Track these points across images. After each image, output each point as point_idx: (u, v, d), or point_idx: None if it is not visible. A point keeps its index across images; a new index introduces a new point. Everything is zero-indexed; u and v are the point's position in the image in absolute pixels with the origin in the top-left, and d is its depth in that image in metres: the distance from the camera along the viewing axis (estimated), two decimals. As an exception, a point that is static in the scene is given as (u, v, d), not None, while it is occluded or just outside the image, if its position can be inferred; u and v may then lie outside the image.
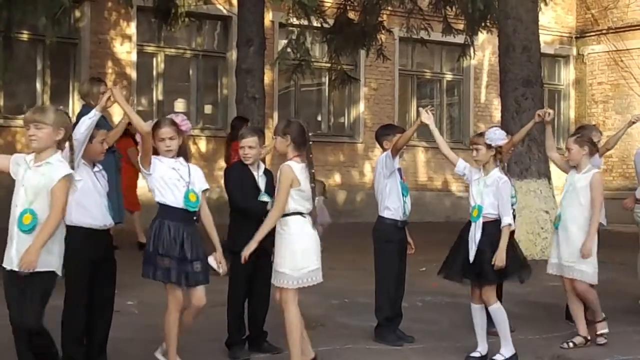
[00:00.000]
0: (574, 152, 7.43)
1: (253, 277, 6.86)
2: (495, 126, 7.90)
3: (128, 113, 6.15)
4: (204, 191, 6.30)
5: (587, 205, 7.34)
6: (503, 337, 6.89)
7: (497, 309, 6.89)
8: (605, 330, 7.59)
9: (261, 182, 6.97)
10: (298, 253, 6.14)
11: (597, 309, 7.59)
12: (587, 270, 7.39)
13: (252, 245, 6.14)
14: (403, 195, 7.47)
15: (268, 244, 6.30)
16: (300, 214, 6.16)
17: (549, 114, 7.65)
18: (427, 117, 7.10)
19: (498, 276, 6.90)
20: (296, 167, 6.14)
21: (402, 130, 7.77)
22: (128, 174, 11.10)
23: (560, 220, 7.47)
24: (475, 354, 6.96)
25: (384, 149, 7.58)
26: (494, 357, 6.87)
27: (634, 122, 8.74)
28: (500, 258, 6.73)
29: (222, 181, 7.38)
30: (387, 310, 7.52)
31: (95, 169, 6.19)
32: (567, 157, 7.52)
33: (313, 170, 6.23)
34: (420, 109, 7.28)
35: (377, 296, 7.58)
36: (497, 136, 6.93)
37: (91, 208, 6.06)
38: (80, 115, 8.69)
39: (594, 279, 7.42)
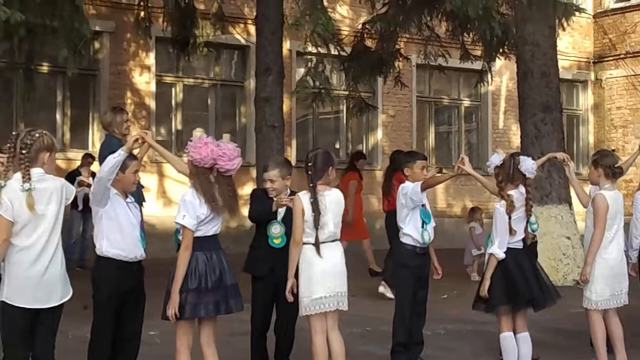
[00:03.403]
0: (590, 174, 7.39)
1: (277, 304, 6.84)
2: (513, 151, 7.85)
3: (164, 155, 6.53)
4: None
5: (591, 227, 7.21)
6: None
7: (502, 338, 6.82)
8: None
9: (280, 211, 6.98)
10: (304, 281, 6.26)
11: (595, 341, 7.25)
12: (587, 296, 7.18)
13: (289, 283, 6.26)
14: (425, 222, 7.45)
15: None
16: (308, 243, 6.28)
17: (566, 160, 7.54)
18: (466, 165, 7.06)
19: (484, 306, 6.85)
20: (304, 198, 6.28)
21: (424, 157, 7.81)
22: (358, 204, 12.82)
23: None
24: None
25: (405, 175, 7.59)
26: None
27: None
28: (482, 288, 6.73)
29: (242, 210, 7.38)
30: (401, 336, 7.50)
31: (128, 199, 6.22)
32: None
33: (312, 200, 6.27)
34: (463, 155, 7.27)
35: (393, 321, 7.59)
36: (491, 161, 6.94)
37: (123, 239, 6.06)
38: (104, 145, 8.77)
39: (597, 305, 7.15)
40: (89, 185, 13.71)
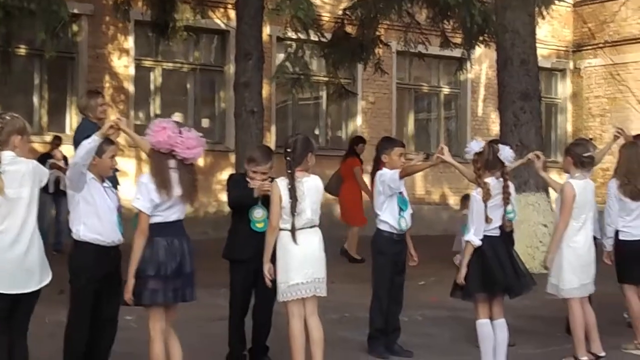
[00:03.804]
0: (563, 162, 7.44)
1: (255, 289, 6.84)
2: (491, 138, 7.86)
3: (138, 143, 6.43)
4: None
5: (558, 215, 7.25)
6: (482, 355, 6.83)
7: (478, 325, 6.85)
8: (583, 358, 7.22)
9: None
10: (281, 267, 6.26)
11: (574, 329, 7.25)
12: (554, 283, 7.25)
13: (266, 267, 6.25)
14: (402, 209, 7.47)
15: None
16: (285, 229, 6.28)
17: (538, 156, 7.56)
18: (446, 155, 7.05)
19: (461, 294, 6.88)
20: (282, 184, 6.28)
21: (402, 144, 7.82)
22: (352, 190, 13.05)
23: None
24: None
25: (382, 163, 7.59)
26: None
27: (617, 137, 8.52)
28: (459, 275, 6.76)
29: (220, 195, 7.38)
30: (378, 322, 7.54)
31: (105, 184, 6.18)
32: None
33: (290, 186, 6.25)
34: (442, 145, 7.25)
35: (370, 307, 7.62)
36: (470, 147, 6.94)
37: (101, 224, 6.03)
38: (78, 129, 8.70)
39: (563, 294, 7.21)
40: (60, 168, 13.67)
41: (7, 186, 5.19)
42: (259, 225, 6.79)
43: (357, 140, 13.85)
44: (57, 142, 14.31)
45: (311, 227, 6.35)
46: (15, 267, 5.23)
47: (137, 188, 5.70)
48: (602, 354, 7.31)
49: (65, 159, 14.07)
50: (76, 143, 8.30)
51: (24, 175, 5.34)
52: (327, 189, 12.46)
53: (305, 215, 6.29)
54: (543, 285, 7.34)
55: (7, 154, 5.28)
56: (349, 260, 12.73)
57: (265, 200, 6.73)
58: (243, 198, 6.88)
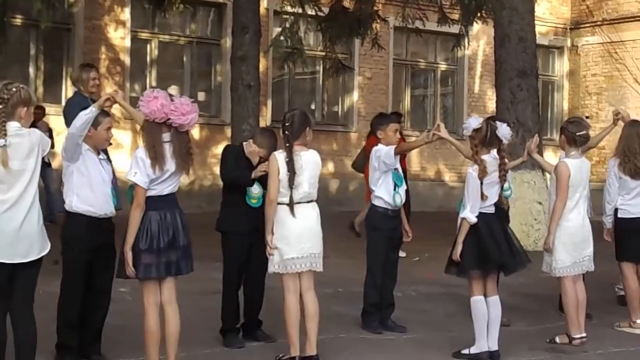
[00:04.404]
0: (559, 140, 7.42)
1: (249, 263, 6.84)
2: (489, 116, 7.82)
3: (134, 116, 6.27)
4: None
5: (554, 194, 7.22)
6: (476, 332, 6.84)
7: (472, 302, 6.86)
8: (577, 335, 7.15)
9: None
10: (278, 240, 6.27)
11: (567, 307, 7.23)
12: (548, 262, 7.22)
13: (268, 238, 6.27)
14: (397, 185, 7.48)
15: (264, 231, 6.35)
16: (282, 203, 6.28)
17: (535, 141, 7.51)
18: (442, 131, 7.05)
19: (456, 270, 6.88)
20: (280, 157, 6.28)
21: (397, 120, 7.82)
22: None
23: None
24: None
25: (378, 139, 7.60)
26: (462, 351, 6.85)
27: (617, 120, 8.41)
28: (454, 252, 6.75)
29: (215, 168, 7.37)
30: (373, 297, 7.57)
31: (100, 156, 6.17)
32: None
33: (287, 159, 6.26)
34: (439, 122, 7.23)
35: (365, 282, 7.64)
36: (468, 124, 6.90)
37: (94, 196, 6.04)
38: (68, 102, 8.68)
39: (556, 272, 7.17)
40: None
41: (12, 157, 5.13)
42: (254, 201, 6.80)
43: (394, 116, 13.40)
44: (40, 112, 14.19)
45: (308, 201, 6.36)
46: (13, 236, 5.19)
47: (133, 162, 5.66)
48: (582, 335, 7.25)
49: (50, 130, 14.01)
50: (66, 116, 8.30)
51: (29, 147, 5.28)
52: (354, 166, 12.44)
53: (302, 189, 6.29)
54: (537, 263, 7.35)
55: (13, 126, 5.22)
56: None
57: (261, 177, 6.73)
58: (239, 179, 6.87)
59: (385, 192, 7.47)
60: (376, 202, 7.54)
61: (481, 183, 6.72)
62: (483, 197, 6.74)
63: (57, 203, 12.85)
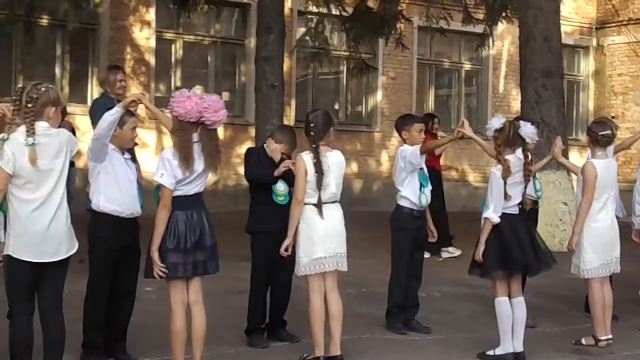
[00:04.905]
0: (587, 141, 7.37)
1: (276, 264, 6.84)
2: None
3: (159, 117, 6.49)
4: None
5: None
6: (501, 333, 6.80)
7: (497, 303, 6.82)
8: (603, 337, 7.10)
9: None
10: (304, 240, 6.29)
11: (594, 309, 7.18)
12: (576, 264, 7.18)
13: (287, 242, 6.28)
14: (423, 186, 7.46)
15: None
16: (309, 203, 6.30)
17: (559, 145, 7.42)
18: (467, 129, 7.06)
19: (479, 271, 6.85)
20: (307, 158, 6.29)
21: (421, 120, 7.82)
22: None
23: None
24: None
25: (403, 139, 7.59)
26: (487, 352, 6.81)
27: None
28: (476, 252, 6.73)
29: (239, 168, 7.40)
30: (397, 298, 7.56)
31: (126, 155, 6.20)
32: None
33: (315, 160, 6.27)
34: (463, 119, 7.23)
35: (389, 283, 7.64)
36: (491, 124, 6.89)
37: (120, 195, 6.08)
38: (94, 104, 8.76)
39: (584, 274, 7.12)
40: None
41: (40, 157, 5.17)
42: (280, 199, 6.83)
43: (428, 117, 13.09)
44: (63, 112, 14.28)
45: (333, 202, 6.37)
46: (42, 235, 5.23)
47: (159, 163, 5.66)
48: (609, 336, 7.19)
49: (73, 130, 14.08)
50: (92, 117, 8.39)
51: (58, 147, 5.31)
52: None
53: (330, 190, 6.31)
54: (562, 263, 7.32)
55: (42, 125, 5.25)
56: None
57: (286, 175, 6.75)
58: (262, 177, 6.91)
59: (412, 193, 7.46)
60: (402, 202, 7.53)
61: (505, 183, 6.70)
62: (507, 197, 6.72)
63: (73, 202, 12.94)
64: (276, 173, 6.79)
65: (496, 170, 6.74)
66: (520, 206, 6.88)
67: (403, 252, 7.52)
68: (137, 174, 6.26)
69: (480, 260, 6.73)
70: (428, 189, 7.52)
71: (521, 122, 7.02)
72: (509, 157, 6.76)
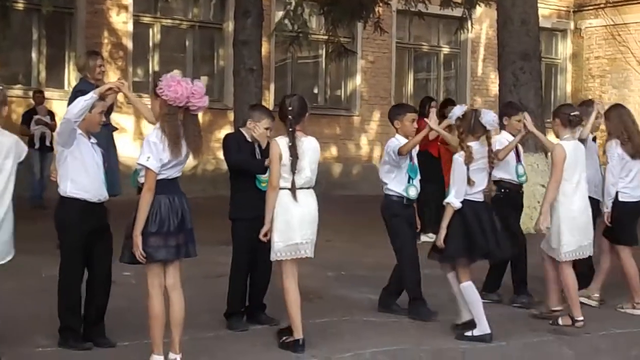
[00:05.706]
0: (552, 126, 7.45)
1: (257, 249, 6.81)
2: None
3: (137, 106, 6.24)
4: None
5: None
6: (475, 316, 6.86)
7: (464, 289, 6.88)
8: (579, 317, 7.16)
9: (258, 155, 6.94)
10: (279, 225, 6.25)
11: (568, 292, 7.23)
12: (554, 247, 7.22)
13: (265, 228, 6.26)
14: (412, 178, 7.43)
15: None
16: (284, 188, 6.27)
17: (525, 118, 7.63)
18: (529, 124, 7.33)
19: (439, 256, 6.91)
20: (281, 142, 6.25)
21: (414, 110, 7.81)
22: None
23: None
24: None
25: (395, 129, 7.55)
26: (465, 333, 6.87)
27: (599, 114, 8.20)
28: (438, 238, 6.78)
29: (218, 153, 7.36)
30: (414, 276, 7.51)
31: (92, 140, 6.17)
32: None
33: (290, 144, 6.24)
34: (526, 114, 7.49)
35: (401, 268, 7.55)
36: (453, 112, 6.97)
37: (87, 181, 6.05)
38: (76, 89, 8.69)
39: (562, 257, 7.17)
40: (46, 124, 13.66)
41: None
42: (264, 185, 6.75)
43: (427, 101, 12.93)
44: (40, 96, 14.23)
45: (308, 187, 6.35)
46: None
47: (145, 146, 5.62)
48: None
49: (50, 114, 14.04)
50: (70, 103, 8.32)
51: (8, 148, 5.23)
52: None
53: (304, 174, 6.29)
54: (539, 244, 7.38)
55: None
56: None
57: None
58: (251, 166, 6.86)
59: (398, 185, 7.40)
60: (389, 193, 7.48)
61: (467, 169, 6.75)
62: (470, 182, 6.77)
63: (46, 188, 12.91)
64: (267, 163, 6.70)
65: (459, 157, 6.82)
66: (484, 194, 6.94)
67: (405, 234, 7.47)
68: (102, 159, 6.22)
69: (441, 246, 6.77)
70: (417, 180, 7.48)
71: (482, 110, 7.08)
72: (471, 143, 6.84)
